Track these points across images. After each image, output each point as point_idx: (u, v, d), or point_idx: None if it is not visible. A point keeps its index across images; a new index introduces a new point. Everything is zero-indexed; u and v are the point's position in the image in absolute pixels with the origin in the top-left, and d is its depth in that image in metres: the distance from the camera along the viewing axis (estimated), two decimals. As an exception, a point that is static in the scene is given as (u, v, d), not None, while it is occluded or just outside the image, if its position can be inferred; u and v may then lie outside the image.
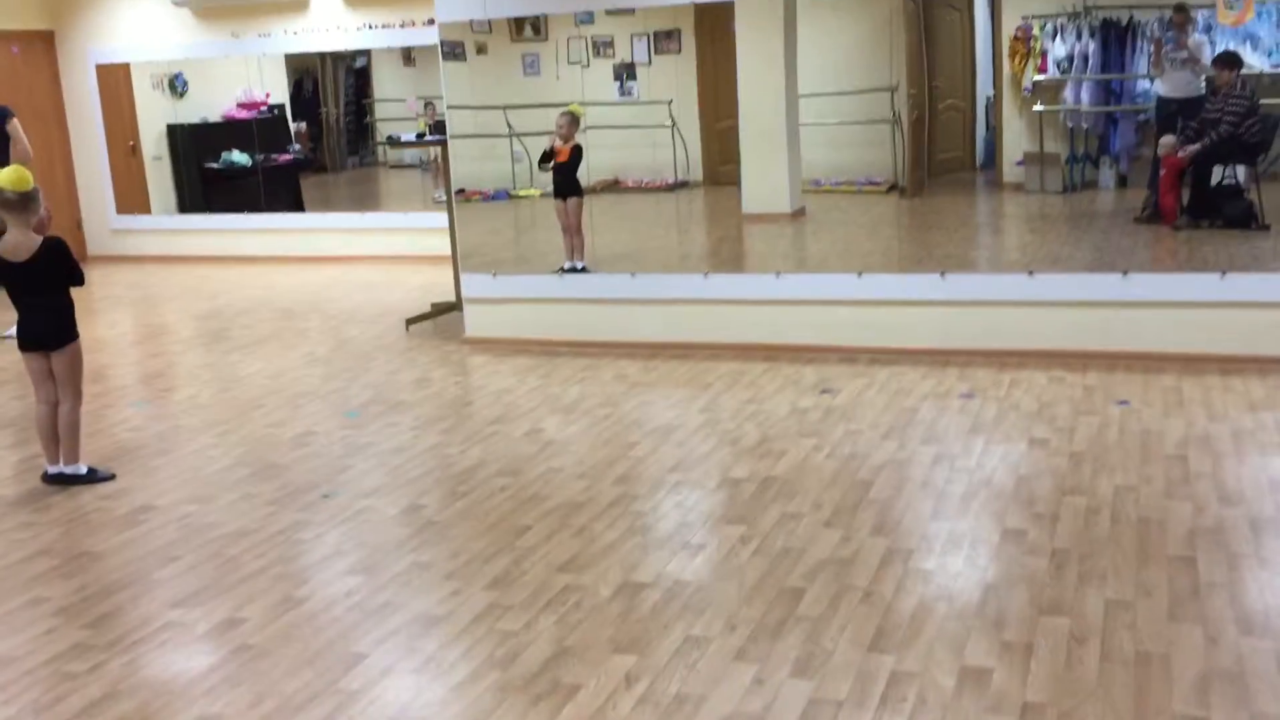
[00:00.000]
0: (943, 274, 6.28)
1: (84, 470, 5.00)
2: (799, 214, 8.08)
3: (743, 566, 3.83)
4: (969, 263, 7.43)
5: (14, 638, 3.59)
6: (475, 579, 3.85)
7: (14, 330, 7.84)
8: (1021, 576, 3.65)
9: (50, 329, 4.84)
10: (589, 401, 5.87)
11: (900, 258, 7.03)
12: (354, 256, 10.68)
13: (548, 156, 7.33)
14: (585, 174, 7.45)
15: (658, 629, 3.44)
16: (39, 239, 4.71)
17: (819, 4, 6.70)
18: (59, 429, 4.94)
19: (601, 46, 8.89)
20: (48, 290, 4.79)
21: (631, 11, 7.42)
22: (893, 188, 8.19)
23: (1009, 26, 8.31)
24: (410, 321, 7.82)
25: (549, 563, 3.95)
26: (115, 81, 11.36)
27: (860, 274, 6.40)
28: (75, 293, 4.96)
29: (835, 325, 6.45)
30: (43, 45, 11.27)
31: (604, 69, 8.80)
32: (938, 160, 8.96)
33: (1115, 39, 7.97)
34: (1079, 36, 8.03)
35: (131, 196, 11.57)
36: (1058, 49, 8.16)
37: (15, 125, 7.87)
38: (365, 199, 12.70)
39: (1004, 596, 3.52)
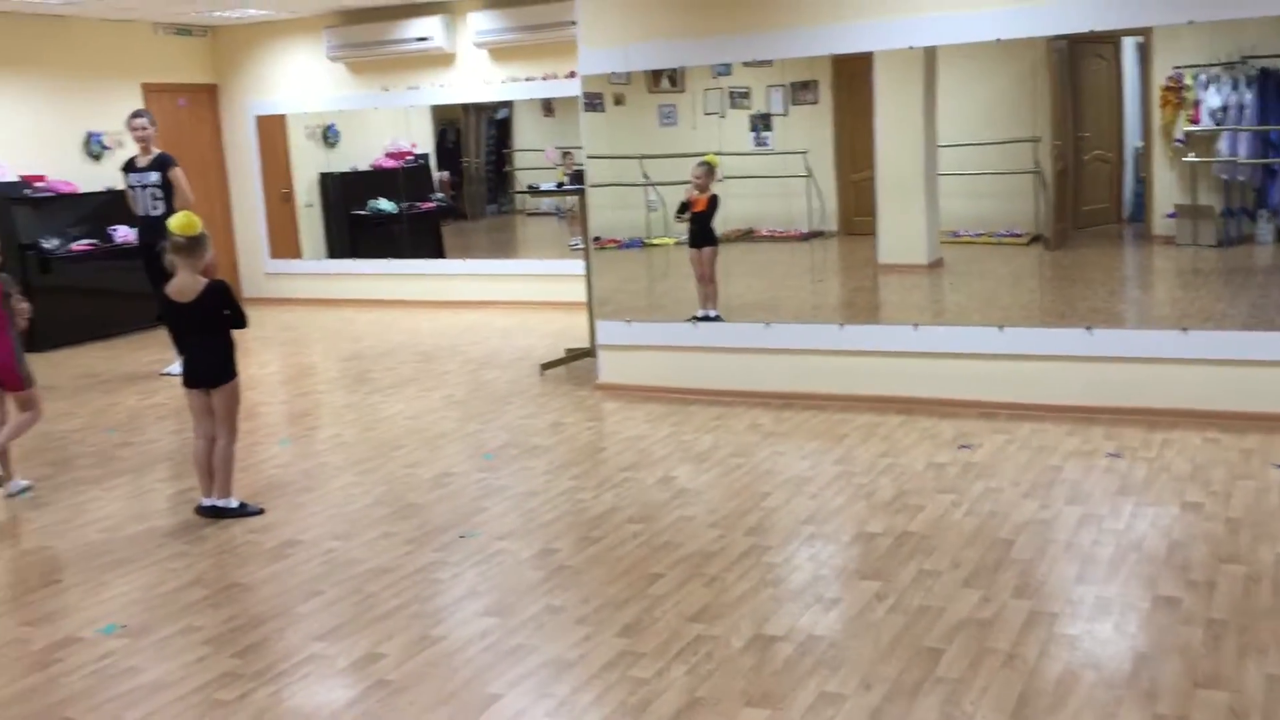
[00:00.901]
0: (1089, 329, 6.10)
1: (235, 504, 5.20)
2: (936, 265, 7.97)
3: (878, 623, 3.76)
4: (1117, 318, 7.20)
5: (168, 663, 3.74)
6: (607, 625, 3.86)
7: (174, 367, 8.25)
8: (1175, 646, 3.49)
9: (211, 368, 5.06)
10: (721, 451, 5.86)
11: (1043, 311, 6.86)
12: (492, 302, 10.93)
13: (685, 207, 7.40)
14: (719, 223, 7.49)
15: (791, 684, 3.39)
16: (204, 281, 4.95)
17: (960, 54, 6.62)
18: (214, 463, 5.15)
19: (738, 97, 8.96)
20: (210, 331, 5.02)
21: (769, 63, 7.45)
22: (1035, 239, 8.01)
23: (1159, 76, 8.08)
24: (545, 366, 7.95)
25: (680, 611, 3.94)
26: (272, 132, 11.92)
27: (1002, 327, 6.26)
28: (235, 334, 5.18)
29: (975, 379, 6.32)
30: (207, 98, 11.91)
31: (740, 120, 8.86)
32: (1083, 212, 8.73)
33: (1274, 89, 7.68)
34: (1235, 87, 7.76)
35: (284, 242, 12.09)
36: (1212, 99, 7.90)
37: (178, 173, 8.31)
38: (503, 246, 13.00)
39: (1157, 667, 3.37)
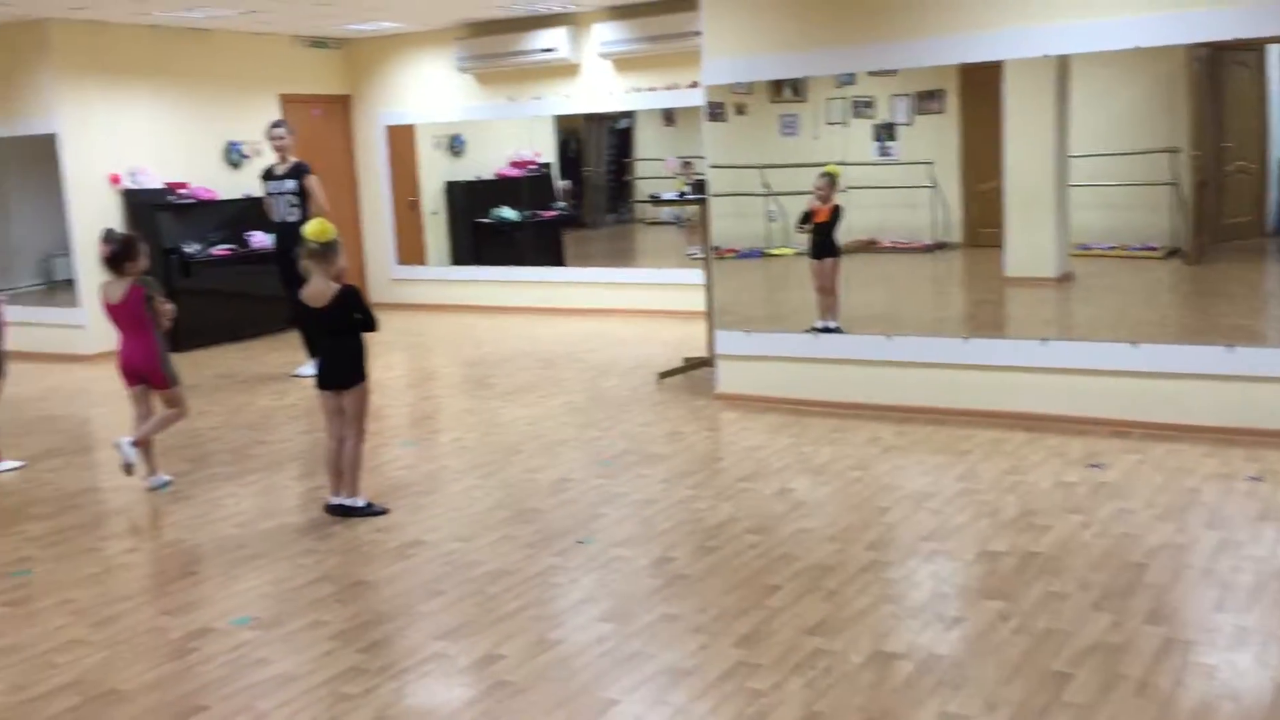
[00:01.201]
0: (1230, 346, 5.86)
1: (362, 503, 5.34)
2: (1065, 278, 7.76)
3: (1003, 645, 3.67)
4: (1260, 335, 6.91)
5: (297, 656, 3.86)
6: (724, 635, 3.85)
7: (306, 369, 8.51)
8: (1321, 681, 3.33)
9: (343, 370, 5.21)
10: (840, 463, 5.80)
11: (1180, 328, 6.62)
12: (610, 310, 11.01)
13: (807, 217, 7.35)
14: (841, 234, 7.42)
15: (911, 702, 3.34)
16: (336, 287, 5.10)
17: (1094, 62, 6.44)
18: (342, 463, 5.30)
19: (861, 107, 8.87)
20: (342, 334, 5.17)
21: (894, 72, 7.36)
22: (1172, 253, 7.74)
23: (1308, 83, 7.75)
24: (663, 375, 7.97)
25: (798, 624, 3.91)
26: (402, 141, 12.23)
27: (1135, 343, 6.06)
28: (365, 337, 5.31)
29: (1106, 396, 6.13)
30: (340, 108, 12.28)
31: (863, 129, 8.77)
32: (1224, 225, 8.41)
33: None
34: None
35: (410, 248, 12.39)
36: (1365, 107, 7.54)
37: (313, 181, 8.59)
38: (622, 254, 13.09)
39: (1300, 701, 3.22)
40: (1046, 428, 6.16)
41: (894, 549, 4.58)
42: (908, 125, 8.72)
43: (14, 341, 6.68)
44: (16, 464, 6.46)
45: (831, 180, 7.33)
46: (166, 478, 5.94)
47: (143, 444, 5.80)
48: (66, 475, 6.32)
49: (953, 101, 8.42)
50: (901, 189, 8.86)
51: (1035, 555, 4.41)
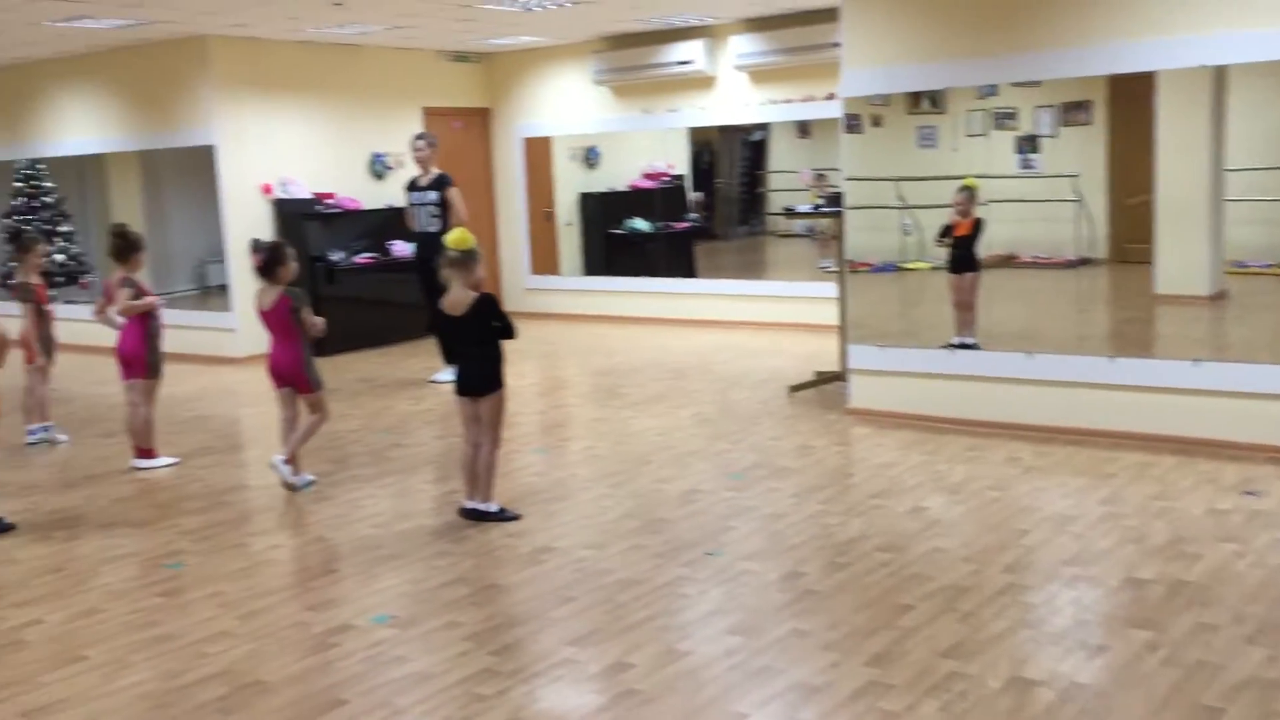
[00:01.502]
0: (1399, 371, 5.53)
1: (495, 508, 5.43)
2: (1219, 296, 7.43)
3: (1150, 676, 3.53)
4: None
5: (433, 655, 3.94)
6: (855, 653, 3.80)
7: (442, 375, 8.71)
8: None
9: (481, 377, 5.31)
10: (977, 483, 5.66)
11: (1346, 350, 6.27)
12: (741, 322, 10.99)
13: (947, 230, 7.22)
14: (980, 248, 7.26)
15: (1051, 732, 3.24)
16: (475, 295, 5.21)
17: (1252, 72, 6.17)
18: (478, 468, 5.40)
19: (1003, 118, 8.65)
20: (479, 341, 5.28)
21: (1038, 83, 7.17)
22: (1335, 272, 7.35)
23: None
24: (794, 389, 7.92)
25: (932, 646, 3.83)
26: (538, 153, 12.44)
27: (1295, 366, 5.77)
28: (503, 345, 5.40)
29: (1263, 421, 5.85)
30: (480, 121, 12.56)
31: (1004, 141, 8.55)
32: (1396, 243, 7.95)
33: None
34: None
35: (544, 258, 12.58)
36: None
37: (454, 193, 8.80)
38: (753, 267, 13.04)
39: None
40: (1197, 452, 5.91)
41: (1033, 572, 4.45)
42: (1052, 137, 8.47)
43: (169, 344, 6.98)
44: (171, 460, 6.77)
45: (971, 194, 7.19)
46: (310, 477, 6.14)
47: (293, 458, 6.01)
48: (217, 473, 6.59)
49: (1100, 112, 8.15)
50: (1044, 203, 8.62)
51: (1185, 584, 4.24)
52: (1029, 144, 8.52)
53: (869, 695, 3.49)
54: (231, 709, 3.61)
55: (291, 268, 5.93)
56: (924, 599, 4.23)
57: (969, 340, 7.08)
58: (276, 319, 5.92)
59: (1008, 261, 8.64)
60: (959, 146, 8.38)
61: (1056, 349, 6.72)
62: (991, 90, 7.89)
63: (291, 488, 5.98)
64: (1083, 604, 4.15)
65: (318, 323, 5.98)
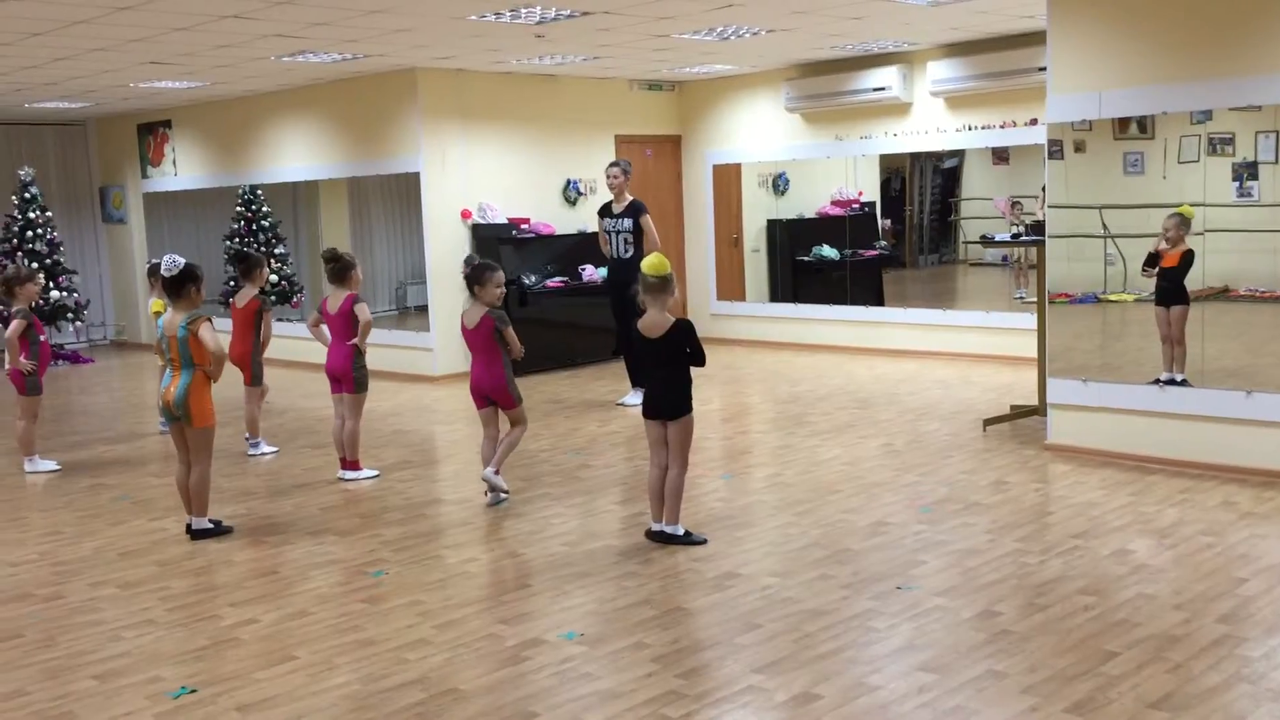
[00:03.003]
0: None
1: (681, 532, 5.46)
2: None
3: (1386, 744, 3.27)
4: None
5: (620, 675, 3.99)
6: (1055, 698, 3.65)
7: (630, 398, 8.84)
8: None
9: (670, 401, 5.36)
10: (1188, 528, 5.37)
11: None
12: (931, 352, 10.75)
13: (1153, 260, 6.90)
14: (1190, 280, 6.90)
15: (1273, 796, 3.03)
16: (672, 319, 5.27)
17: None
18: (665, 491, 5.44)
19: (1219, 144, 8.21)
20: (672, 365, 5.34)
21: (1259, 107, 6.78)
22: None
23: None
24: (988, 422, 7.69)
25: (1139, 696, 3.64)
26: (727, 180, 12.52)
27: None
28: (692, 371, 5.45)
29: None
30: (671, 148, 12.73)
31: (1219, 168, 8.11)
32: None
33: None
34: None
35: (730, 284, 12.62)
36: None
37: (648, 220, 8.94)
38: (944, 296, 12.75)
39: None
40: None
41: (1252, 624, 4.19)
42: (1273, 164, 8.00)
43: (372, 362, 7.30)
44: (373, 473, 7.08)
45: (1183, 221, 6.85)
46: (502, 494, 6.32)
47: (499, 468, 6.21)
48: (415, 486, 6.85)
49: (1328, 138, 7.63)
50: (1263, 233, 8.13)
51: None
52: (1247, 171, 8.05)
53: (1071, 744, 3.35)
54: (428, 715, 3.74)
55: (492, 291, 6.12)
56: (1130, 646, 4.03)
57: (1178, 376, 6.73)
58: (479, 338, 6.12)
59: (1222, 294, 8.17)
60: (1169, 174, 7.99)
61: (1277, 388, 6.32)
62: (1206, 115, 7.51)
63: (501, 493, 6.18)
64: (1308, 661, 3.88)
65: (519, 348, 6.15)
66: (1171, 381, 6.70)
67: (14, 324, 7.40)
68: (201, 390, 5.74)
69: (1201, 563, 4.88)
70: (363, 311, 6.80)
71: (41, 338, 7.58)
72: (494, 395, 6.17)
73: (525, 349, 6.29)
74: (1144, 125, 8.08)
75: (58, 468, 7.64)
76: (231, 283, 11.63)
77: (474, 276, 6.12)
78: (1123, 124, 7.96)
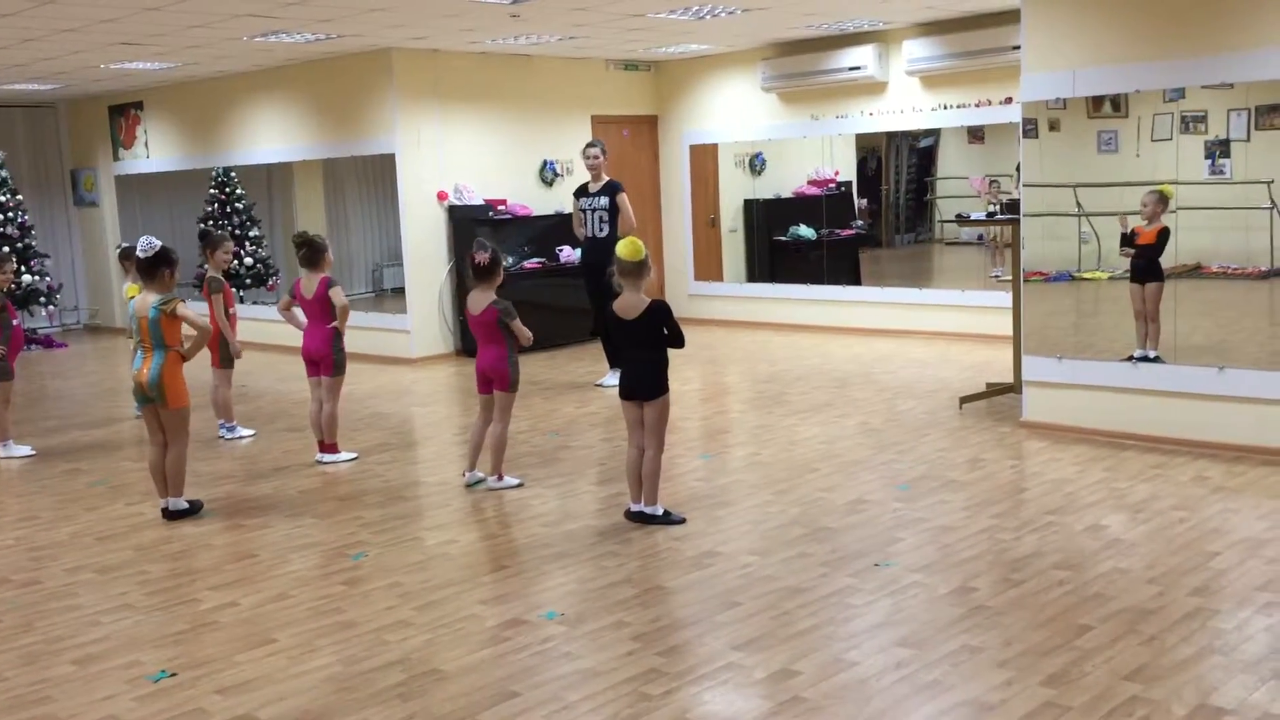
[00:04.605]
0: None
1: (660, 512, 5.49)
2: None
3: (1354, 712, 3.33)
4: None
5: (601, 654, 4.01)
6: (1031, 672, 3.70)
7: (608, 379, 8.85)
8: None
9: (646, 382, 5.38)
10: (1161, 502, 5.43)
11: None
12: (907, 331, 10.80)
13: (1129, 238, 6.95)
14: (1164, 257, 6.96)
15: (1244, 764, 3.08)
16: (647, 300, 5.28)
17: None
18: (642, 472, 5.46)
19: (1191, 122, 8.26)
20: (648, 346, 5.34)
21: (1231, 85, 6.83)
22: None
23: None
24: (964, 400, 7.74)
25: (1113, 669, 3.69)
26: (704, 160, 12.50)
27: None
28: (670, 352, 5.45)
29: None
30: (648, 128, 12.70)
31: (1192, 145, 8.17)
32: None
33: None
34: None
35: (707, 265, 12.63)
36: None
37: (623, 199, 8.92)
38: (920, 275, 12.80)
39: None
40: (1406, 476, 5.54)
41: (1224, 597, 4.25)
42: (1245, 142, 8.05)
43: (348, 344, 7.26)
44: (351, 455, 7.06)
45: (1161, 199, 6.90)
46: (481, 475, 6.32)
47: (498, 468, 6.19)
48: (394, 469, 6.85)
49: (1299, 115, 7.69)
50: (1235, 210, 8.19)
51: (1393, 617, 3.98)
52: (1220, 148, 8.11)
53: (1045, 716, 3.39)
54: (410, 695, 3.75)
55: (497, 279, 6.10)
56: (1104, 620, 4.08)
57: (1151, 353, 6.79)
58: (482, 324, 6.10)
59: (1195, 271, 8.24)
60: (1142, 152, 8.04)
61: (1248, 364, 6.39)
62: (1179, 93, 7.55)
63: (486, 480, 6.20)
64: (1278, 632, 3.93)
65: (527, 335, 6.11)
66: (1145, 358, 6.77)
67: None
68: (175, 370, 5.72)
69: (1174, 537, 4.94)
70: (338, 295, 6.76)
71: (15, 322, 7.52)
72: (492, 375, 6.12)
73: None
74: (1117, 104, 8.12)
75: (32, 453, 7.59)
76: (203, 266, 11.56)
77: (490, 269, 6.07)
78: (1096, 102, 8.00)
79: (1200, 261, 8.31)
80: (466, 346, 10.75)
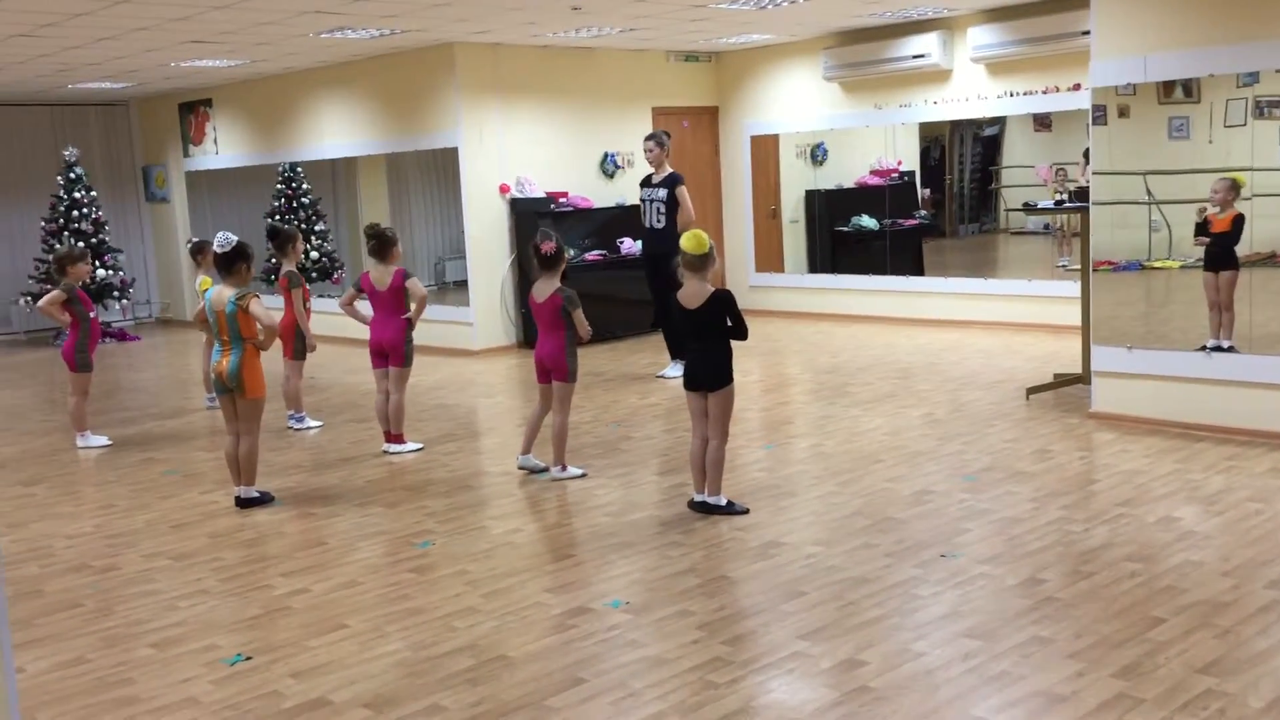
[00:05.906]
0: None
1: (723, 502, 5.49)
2: None
3: None
4: None
5: (666, 642, 4.03)
6: (1102, 664, 3.65)
7: (669, 370, 8.86)
8: None
9: (710, 372, 5.38)
10: (1236, 494, 5.33)
11: None
12: (972, 321, 10.68)
13: (1202, 226, 6.81)
14: (1239, 246, 6.81)
15: (1324, 760, 3.02)
16: (711, 290, 5.28)
17: None
18: (706, 462, 5.47)
19: (1266, 107, 8.06)
20: (712, 337, 5.35)
21: (1309, 68, 6.66)
22: None
23: None
24: (1031, 391, 7.64)
25: (1187, 661, 3.63)
26: (765, 151, 12.45)
27: None
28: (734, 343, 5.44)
29: None
30: (708, 119, 12.68)
31: (1267, 131, 7.98)
32: None
33: None
34: None
35: (769, 256, 12.59)
36: None
37: (683, 191, 8.92)
38: (985, 265, 12.65)
39: None
40: None
41: (1301, 591, 4.16)
42: (1322, 126, 7.84)
43: (415, 336, 7.33)
44: (417, 446, 7.15)
45: (1233, 186, 6.75)
46: (540, 463, 6.37)
47: (561, 458, 6.23)
48: (459, 459, 6.92)
49: (1380, 98, 7.48)
50: (1313, 196, 7.99)
51: None
52: (1296, 133, 7.91)
53: (1118, 707, 3.35)
54: (479, 680, 3.80)
55: (560, 269, 6.14)
56: (1177, 612, 4.02)
57: (1225, 343, 6.66)
58: (545, 312, 6.14)
59: (1269, 259, 8.05)
60: (1215, 138, 7.87)
61: (1327, 353, 6.24)
62: (1253, 77, 7.38)
63: (579, 475, 6.24)
64: (1359, 627, 3.85)
65: (586, 329, 6.13)
66: (1219, 348, 6.63)
67: (53, 293, 7.50)
68: (253, 362, 5.86)
69: (1249, 529, 4.85)
70: (416, 286, 6.86)
71: (91, 315, 7.71)
72: (550, 365, 6.16)
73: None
74: (1189, 89, 7.96)
75: (109, 443, 7.78)
76: (272, 259, 11.75)
77: (555, 258, 6.11)
78: (1168, 88, 7.84)
79: (1275, 250, 8.12)
80: (528, 338, 10.82)
